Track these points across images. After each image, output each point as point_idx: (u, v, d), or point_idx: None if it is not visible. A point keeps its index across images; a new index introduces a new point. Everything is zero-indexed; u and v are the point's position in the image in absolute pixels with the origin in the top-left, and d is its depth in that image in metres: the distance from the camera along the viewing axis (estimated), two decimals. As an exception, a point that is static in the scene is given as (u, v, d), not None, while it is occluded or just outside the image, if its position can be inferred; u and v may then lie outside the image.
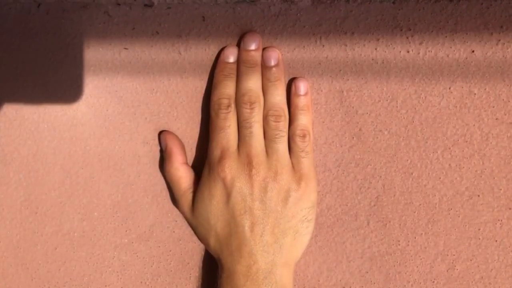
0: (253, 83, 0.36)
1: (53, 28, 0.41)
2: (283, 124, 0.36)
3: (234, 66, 0.37)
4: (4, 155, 0.44)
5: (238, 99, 0.37)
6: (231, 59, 0.37)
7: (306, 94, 0.37)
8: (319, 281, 0.40)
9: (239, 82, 0.37)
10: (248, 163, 0.36)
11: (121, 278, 0.43)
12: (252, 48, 0.37)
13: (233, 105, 0.37)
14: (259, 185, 0.35)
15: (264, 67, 0.37)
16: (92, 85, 0.42)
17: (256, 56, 0.37)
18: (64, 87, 0.42)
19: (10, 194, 0.44)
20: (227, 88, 0.37)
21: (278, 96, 0.37)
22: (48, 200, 0.43)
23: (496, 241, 0.37)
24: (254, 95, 0.36)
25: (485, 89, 0.35)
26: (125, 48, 0.40)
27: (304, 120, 0.37)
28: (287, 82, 0.38)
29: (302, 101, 0.37)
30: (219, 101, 0.37)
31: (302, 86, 0.37)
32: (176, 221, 0.42)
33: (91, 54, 0.41)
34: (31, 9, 0.41)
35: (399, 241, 0.38)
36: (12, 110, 0.43)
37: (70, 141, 0.42)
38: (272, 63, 0.37)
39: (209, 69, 0.39)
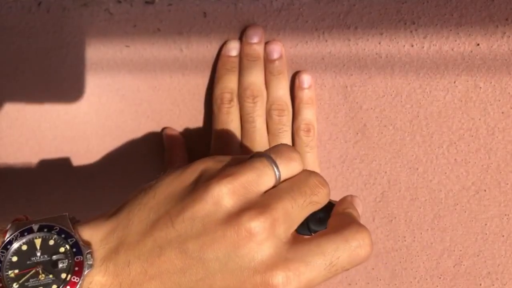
0: (255, 77, 0.36)
1: (53, 27, 0.41)
2: (287, 118, 0.36)
3: (237, 60, 0.37)
4: (6, 155, 0.44)
5: (241, 93, 0.36)
6: (233, 52, 0.37)
7: (310, 87, 0.37)
8: (324, 278, 0.40)
9: (242, 76, 0.37)
10: None
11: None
12: (255, 41, 0.37)
13: (235, 100, 0.36)
14: None
15: (267, 61, 0.37)
16: (93, 84, 0.41)
17: (259, 49, 0.37)
18: (65, 86, 0.42)
19: (12, 194, 0.44)
20: (229, 82, 0.37)
21: (282, 90, 0.36)
22: (50, 199, 0.43)
23: (503, 236, 0.36)
24: (256, 89, 0.36)
25: (491, 82, 0.35)
26: (127, 46, 0.40)
27: (308, 114, 0.37)
28: (290, 77, 0.38)
29: (306, 95, 0.37)
30: (222, 96, 0.37)
31: (306, 79, 0.37)
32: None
33: (92, 53, 0.41)
34: (32, 7, 0.41)
35: (405, 237, 0.38)
36: (14, 109, 0.43)
37: (72, 140, 0.42)
38: (275, 56, 0.37)
39: (211, 66, 0.39)
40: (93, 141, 0.42)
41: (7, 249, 0.23)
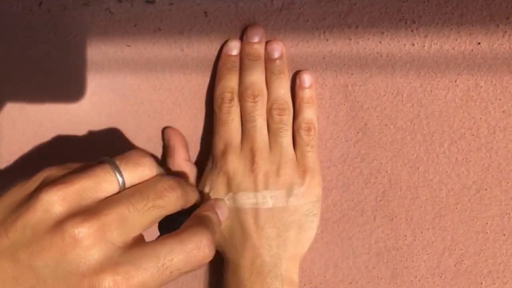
0: (256, 76, 0.36)
1: (54, 26, 0.41)
2: (287, 118, 0.36)
3: (237, 59, 0.37)
4: (7, 154, 0.44)
5: (242, 93, 0.36)
6: (234, 52, 0.37)
7: (311, 86, 0.37)
8: (325, 277, 0.40)
9: (242, 76, 0.37)
10: (251, 158, 0.35)
11: (126, 277, 0.43)
12: (255, 40, 0.37)
13: (236, 99, 0.36)
14: (260, 179, 0.35)
15: (268, 60, 0.37)
16: (94, 83, 0.41)
17: (259, 48, 0.37)
18: (66, 85, 0.42)
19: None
20: (230, 82, 0.37)
21: (282, 89, 0.36)
22: (52, 199, 0.43)
23: (504, 235, 0.36)
24: (257, 88, 0.36)
25: (492, 81, 0.35)
26: (127, 45, 0.40)
27: (309, 113, 0.37)
28: (290, 77, 0.38)
29: (307, 94, 0.37)
30: (222, 95, 0.37)
31: (307, 79, 0.37)
32: (181, 218, 0.42)
33: (93, 52, 0.41)
34: (33, 7, 0.41)
35: (406, 236, 0.38)
36: (15, 109, 0.43)
37: (73, 139, 0.42)
38: (276, 55, 0.37)
39: (212, 65, 0.39)
40: (94, 140, 0.42)
41: None
